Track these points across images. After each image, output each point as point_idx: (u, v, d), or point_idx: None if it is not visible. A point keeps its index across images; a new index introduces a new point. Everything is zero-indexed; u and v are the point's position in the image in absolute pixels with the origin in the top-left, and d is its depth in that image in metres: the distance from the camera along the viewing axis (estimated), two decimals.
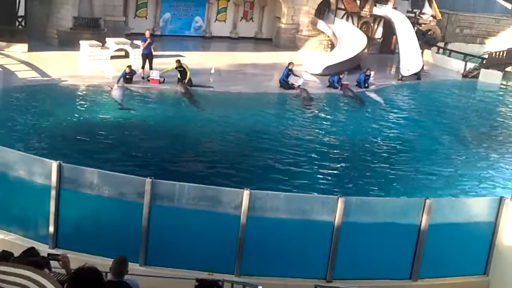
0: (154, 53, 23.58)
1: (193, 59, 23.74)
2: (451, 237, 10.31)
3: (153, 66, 23.06)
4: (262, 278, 9.54)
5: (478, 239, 10.62)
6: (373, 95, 25.07)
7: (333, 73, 25.63)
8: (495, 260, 10.53)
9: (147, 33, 23.35)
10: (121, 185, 9.79)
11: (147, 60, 22.98)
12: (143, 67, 22.90)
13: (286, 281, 9.87)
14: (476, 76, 30.90)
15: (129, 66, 21.67)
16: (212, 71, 24.71)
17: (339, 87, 24.88)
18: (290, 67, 24.15)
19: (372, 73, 26.35)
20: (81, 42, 24.88)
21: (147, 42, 22.94)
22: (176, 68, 22.16)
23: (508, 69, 31.42)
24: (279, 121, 20.54)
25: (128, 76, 21.37)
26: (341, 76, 25.18)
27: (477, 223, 10.49)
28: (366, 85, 25.66)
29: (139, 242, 9.64)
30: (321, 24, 31.89)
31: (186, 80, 22.08)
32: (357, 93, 24.55)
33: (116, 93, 20.38)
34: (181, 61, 22.32)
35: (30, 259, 3.93)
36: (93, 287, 4.23)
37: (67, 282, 3.89)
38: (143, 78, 22.53)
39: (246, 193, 9.43)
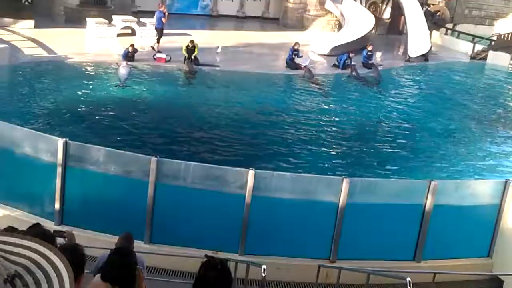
0: None
1: (200, 38, 23.65)
2: (456, 219, 10.32)
3: (161, 45, 23.48)
4: (266, 257, 9.58)
5: (482, 222, 10.63)
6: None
7: (341, 53, 25.36)
8: (499, 242, 10.55)
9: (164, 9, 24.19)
10: (127, 163, 9.82)
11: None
12: (158, 41, 23.58)
13: (290, 260, 9.93)
14: (484, 58, 30.63)
15: (132, 45, 21.72)
16: (219, 50, 24.63)
17: (345, 66, 24.61)
18: (295, 47, 23.96)
19: (376, 52, 25.92)
20: (87, 19, 24.76)
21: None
22: (187, 46, 22.24)
23: None
24: (285, 101, 20.48)
25: (130, 55, 21.39)
26: (350, 56, 24.84)
27: (481, 206, 10.50)
28: (370, 61, 25.42)
29: (144, 220, 9.70)
30: (329, 4, 31.61)
31: (192, 59, 22.08)
32: (362, 74, 24.33)
33: (122, 71, 20.36)
34: (194, 42, 22.52)
35: (38, 230, 3.93)
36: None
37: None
38: (159, 51, 22.88)
39: (251, 173, 9.45)
